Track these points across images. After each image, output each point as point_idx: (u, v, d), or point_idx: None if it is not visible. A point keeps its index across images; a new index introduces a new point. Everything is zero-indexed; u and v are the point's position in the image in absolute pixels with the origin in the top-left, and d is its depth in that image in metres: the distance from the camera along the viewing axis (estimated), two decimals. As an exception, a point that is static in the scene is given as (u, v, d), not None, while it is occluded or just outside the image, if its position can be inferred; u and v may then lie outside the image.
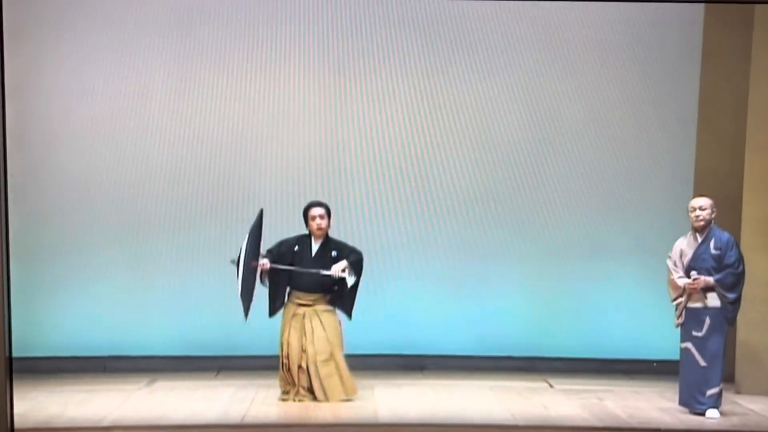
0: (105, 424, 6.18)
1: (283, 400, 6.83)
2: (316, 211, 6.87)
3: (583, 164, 7.77)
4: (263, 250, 6.80)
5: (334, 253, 6.89)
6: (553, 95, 7.62)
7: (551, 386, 7.55)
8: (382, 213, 7.75)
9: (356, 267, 6.86)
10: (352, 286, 6.82)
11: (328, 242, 6.91)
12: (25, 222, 7.24)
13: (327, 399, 6.76)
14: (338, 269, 6.78)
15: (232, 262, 6.63)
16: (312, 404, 6.73)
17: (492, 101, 7.62)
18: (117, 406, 6.69)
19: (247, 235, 6.65)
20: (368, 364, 7.55)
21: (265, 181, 7.61)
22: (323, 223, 6.86)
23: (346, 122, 7.60)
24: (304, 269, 6.77)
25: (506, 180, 7.80)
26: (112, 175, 7.46)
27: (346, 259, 6.85)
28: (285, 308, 6.91)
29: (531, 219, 7.89)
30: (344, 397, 6.82)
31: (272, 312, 6.87)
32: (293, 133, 7.60)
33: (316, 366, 6.77)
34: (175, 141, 7.53)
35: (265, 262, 6.73)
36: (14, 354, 6.29)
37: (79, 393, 7.07)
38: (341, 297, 6.89)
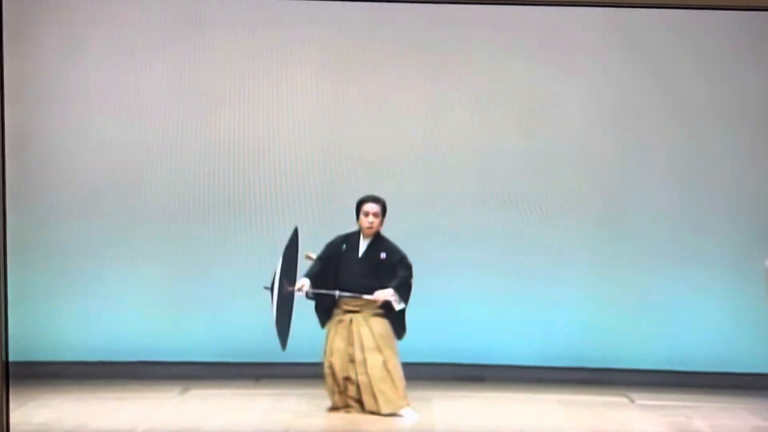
0: None
1: (332, 411, 6.83)
2: (370, 207, 6.87)
3: (672, 166, 7.78)
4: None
5: (382, 255, 6.90)
6: (637, 94, 7.65)
7: (632, 401, 7.49)
8: (434, 207, 7.70)
9: (403, 291, 6.85)
10: (400, 310, 6.83)
11: (377, 241, 6.91)
12: (42, 221, 7.38)
13: (378, 410, 6.75)
14: (382, 296, 6.78)
15: (266, 288, 6.66)
16: (362, 416, 6.68)
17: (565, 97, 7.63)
18: (147, 415, 6.69)
19: (281, 257, 6.69)
20: (422, 373, 7.43)
21: (289, 180, 7.61)
22: (375, 222, 6.86)
23: (348, 121, 7.57)
24: (346, 293, 6.78)
25: (583, 176, 7.77)
26: (142, 169, 7.57)
27: (396, 271, 6.84)
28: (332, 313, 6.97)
29: (609, 220, 7.83)
30: (396, 410, 6.80)
31: (323, 323, 6.94)
32: (301, 127, 7.62)
33: (367, 377, 6.78)
34: (177, 140, 7.56)
35: (303, 284, 6.77)
36: (32, 358, 6.85)
37: (107, 401, 7.07)
38: (389, 315, 6.93)
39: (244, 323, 7.80)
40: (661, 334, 7.78)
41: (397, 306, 6.79)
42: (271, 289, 6.68)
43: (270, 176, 7.56)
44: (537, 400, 7.37)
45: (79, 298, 7.58)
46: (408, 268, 6.89)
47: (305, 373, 7.44)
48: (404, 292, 6.83)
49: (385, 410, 6.75)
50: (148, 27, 7.35)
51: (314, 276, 6.88)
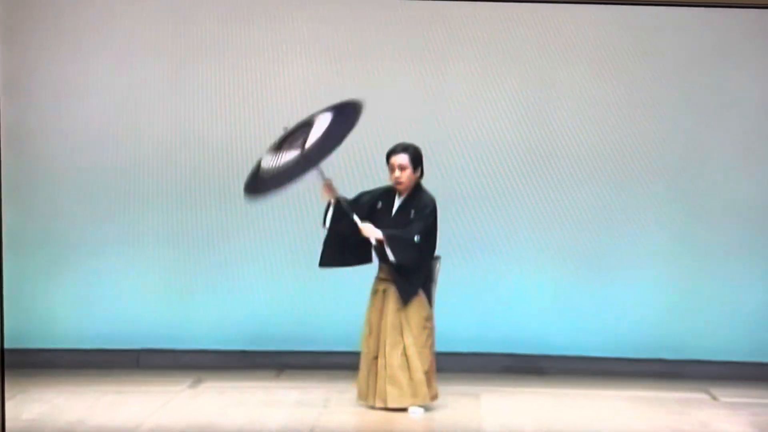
0: None
1: (362, 404, 6.57)
2: (396, 159, 6.44)
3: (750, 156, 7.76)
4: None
5: (412, 213, 6.47)
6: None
7: (714, 398, 7.22)
8: (491, 187, 7.70)
9: (395, 244, 6.35)
10: (399, 266, 6.37)
11: (413, 198, 6.48)
12: (39, 203, 7.69)
13: (384, 404, 6.40)
14: (366, 230, 6.32)
15: (284, 128, 6.38)
16: (396, 414, 6.41)
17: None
18: (154, 411, 6.53)
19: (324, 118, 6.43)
20: (470, 364, 7.48)
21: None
22: (403, 176, 6.42)
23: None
24: (366, 224, 6.34)
25: (661, 167, 7.75)
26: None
27: (411, 223, 6.42)
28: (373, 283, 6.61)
29: (689, 201, 7.80)
30: (407, 404, 6.41)
31: (321, 261, 6.51)
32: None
33: (384, 359, 6.41)
34: (178, 137, 7.78)
35: (330, 185, 6.38)
36: (22, 345, 7.01)
37: (106, 394, 6.95)
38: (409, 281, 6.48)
39: (264, 306, 7.81)
40: (747, 322, 7.69)
41: (390, 256, 6.33)
42: (288, 136, 6.41)
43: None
44: (604, 396, 7.26)
45: (76, 280, 7.80)
46: (421, 225, 6.40)
47: (333, 363, 7.38)
48: (396, 246, 6.33)
49: (391, 403, 6.42)
50: (142, 21, 7.66)
51: (341, 215, 6.43)
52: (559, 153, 7.68)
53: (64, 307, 7.73)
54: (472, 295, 7.50)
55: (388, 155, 6.49)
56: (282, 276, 7.52)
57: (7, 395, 6.05)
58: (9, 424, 6.04)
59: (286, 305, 7.55)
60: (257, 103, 7.71)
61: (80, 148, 7.69)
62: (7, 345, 6.34)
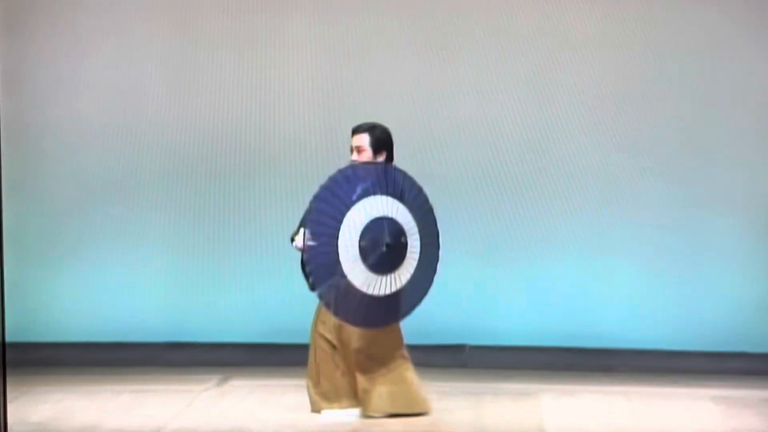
0: None
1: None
2: (355, 140, 6.02)
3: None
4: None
5: None
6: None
7: None
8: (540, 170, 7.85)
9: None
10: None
11: None
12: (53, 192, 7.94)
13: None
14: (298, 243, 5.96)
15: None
16: (441, 418, 6.18)
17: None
18: (178, 412, 6.41)
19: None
20: (530, 361, 7.53)
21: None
22: (359, 159, 6.00)
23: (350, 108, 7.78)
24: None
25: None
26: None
27: None
28: None
29: None
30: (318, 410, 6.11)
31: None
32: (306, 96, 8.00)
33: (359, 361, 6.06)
34: (175, 134, 7.94)
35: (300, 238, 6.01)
36: (29, 339, 7.33)
37: (123, 394, 6.91)
38: None
39: (299, 296, 7.33)
40: None
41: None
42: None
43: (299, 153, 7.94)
44: (683, 395, 7.13)
45: (87, 268, 7.93)
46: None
47: None
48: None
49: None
50: (142, 16, 7.87)
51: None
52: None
53: (76, 299, 7.82)
54: (531, 286, 7.57)
55: (351, 134, 6.11)
56: None
57: (9, 395, 5.61)
58: (14, 429, 5.75)
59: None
60: (259, 96, 7.81)
61: (81, 143, 7.85)
62: (10, 338, 6.24)
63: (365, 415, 6.08)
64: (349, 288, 5.75)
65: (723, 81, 7.80)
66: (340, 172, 5.85)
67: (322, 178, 7.08)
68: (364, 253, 5.76)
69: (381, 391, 6.06)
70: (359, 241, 5.75)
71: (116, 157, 7.99)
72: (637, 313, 7.82)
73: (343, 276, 5.74)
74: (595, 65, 7.83)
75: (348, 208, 5.77)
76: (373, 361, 6.03)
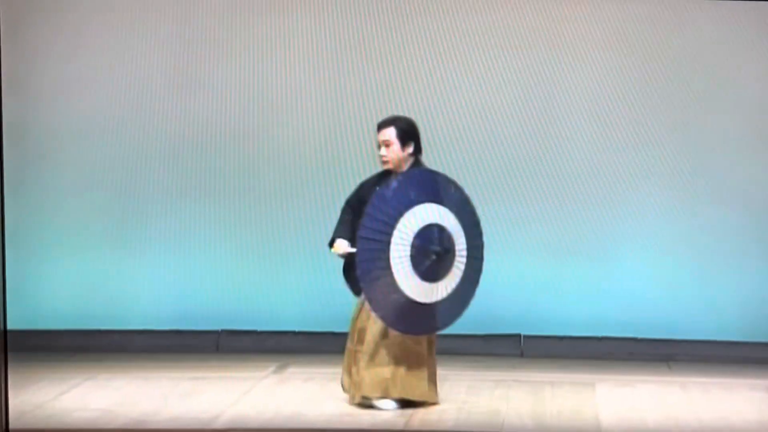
0: (218, 425, 5.91)
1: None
2: (381, 134, 6.06)
3: None
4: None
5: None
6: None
7: None
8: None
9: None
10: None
11: None
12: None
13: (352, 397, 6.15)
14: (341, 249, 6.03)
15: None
16: (506, 406, 6.25)
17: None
18: (235, 400, 6.43)
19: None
20: (587, 350, 7.48)
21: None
22: (388, 153, 6.02)
23: (350, 113, 7.90)
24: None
25: None
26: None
27: None
28: None
29: None
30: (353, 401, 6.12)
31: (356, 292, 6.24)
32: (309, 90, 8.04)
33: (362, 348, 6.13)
34: (175, 134, 7.99)
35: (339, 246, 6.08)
36: (86, 326, 7.55)
37: (182, 381, 6.94)
38: None
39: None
40: None
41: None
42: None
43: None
44: (741, 385, 7.10)
45: (140, 254, 7.97)
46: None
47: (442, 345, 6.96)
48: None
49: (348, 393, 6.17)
50: (143, 15, 7.90)
51: (347, 229, 6.13)
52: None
53: (126, 288, 7.85)
54: (587, 276, 7.54)
55: (377, 132, 6.13)
56: None
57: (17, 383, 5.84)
58: (76, 414, 5.95)
59: None
60: (260, 95, 7.86)
61: (80, 143, 7.89)
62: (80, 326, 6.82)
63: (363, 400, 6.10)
64: (397, 293, 5.81)
65: (724, 81, 7.77)
66: (395, 178, 5.93)
67: (324, 174, 7.75)
68: (414, 259, 5.81)
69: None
70: (410, 247, 5.81)
71: (116, 157, 7.97)
72: (694, 304, 7.76)
73: (393, 281, 5.79)
74: (596, 66, 7.77)
75: (401, 214, 5.81)
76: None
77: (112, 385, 6.67)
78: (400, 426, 5.87)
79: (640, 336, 7.76)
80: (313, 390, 6.66)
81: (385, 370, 6.05)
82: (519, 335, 7.76)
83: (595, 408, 6.33)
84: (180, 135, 7.92)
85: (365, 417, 6.00)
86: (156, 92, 7.90)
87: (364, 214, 5.80)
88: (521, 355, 7.73)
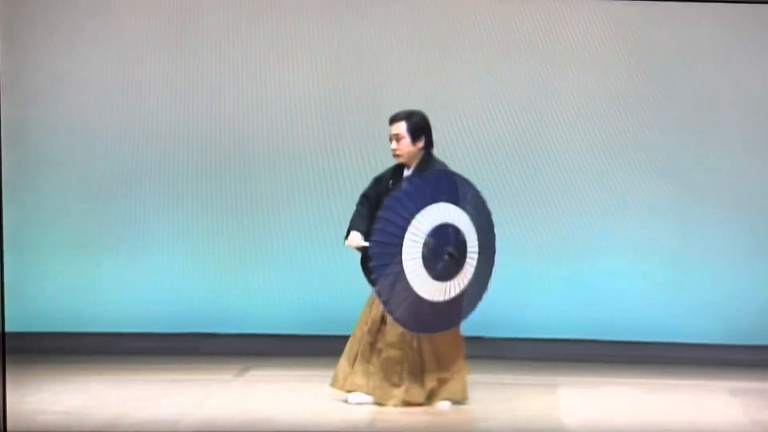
0: (181, 428, 5.87)
1: (338, 386, 6.33)
2: (393, 128, 6.20)
3: None
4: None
5: None
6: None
7: None
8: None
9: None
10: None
11: (422, 169, 6.21)
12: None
13: (380, 400, 6.17)
14: (354, 242, 6.20)
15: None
16: (470, 407, 6.27)
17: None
18: (198, 402, 6.42)
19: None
20: (552, 352, 7.49)
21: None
22: (400, 147, 6.16)
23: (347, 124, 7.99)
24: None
25: None
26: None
27: None
28: None
29: None
30: (383, 401, 6.18)
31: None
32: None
33: (389, 352, 6.17)
34: (174, 132, 8.04)
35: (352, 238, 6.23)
36: (59, 329, 7.49)
37: (146, 384, 6.94)
38: None
39: (321, 286, 7.84)
40: None
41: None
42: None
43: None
44: (705, 387, 7.16)
45: (100, 258, 7.95)
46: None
47: None
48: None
49: (384, 400, 6.19)
50: (142, 15, 7.96)
51: (363, 222, 6.27)
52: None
53: (102, 291, 7.85)
54: (549, 277, 7.56)
55: (389, 123, 6.26)
56: (340, 252, 7.26)
57: (15, 385, 5.89)
58: (37, 418, 5.90)
59: (346, 284, 7.28)
60: (260, 97, 7.89)
61: (80, 143, 7.92)
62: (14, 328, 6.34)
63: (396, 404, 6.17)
64: (408, 289, 5.89)
65: (722, 82, 7.81)
66: (409, 179, 6.05)
67: (324, 176, 7.81)
68: (427, 259, 5.91)
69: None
70: (423, 247, 5.90)
71: (116, 157, 8.00)
72: (658, 306, 7.76)
73: (405, 281, 5.88)
74: (595, 66, 7.84)
75: (413, 215, 5.90)
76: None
77: (82, 387, 6.67)
78: (363, 427, 5.91)
79: (604, 338, 7.75)
80: (277, 393, 6.68)
81: (431, 377, 6.19)
82: (482, 337, 7.67)
83: (559, 410, 6.37)
84: (178, 137, 7.93)
85: (334, 418, 6.05)
86: (153, 95, 7.93)
87: (377, 218, 5.92)
88: (485, 356, 7.61)
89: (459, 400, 6.26)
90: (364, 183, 6.51)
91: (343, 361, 6.30)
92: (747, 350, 7.69)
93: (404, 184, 5.96)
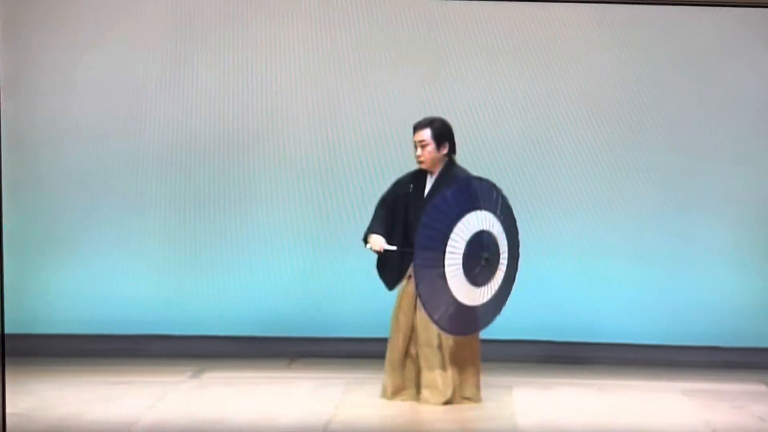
0: (137, 429, 5.95)
1: (386, 398, 6.49)
2: (417, 136, 6.39)
3: None
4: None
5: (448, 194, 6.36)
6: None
7: None
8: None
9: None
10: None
11: (445, 177, 6.37)
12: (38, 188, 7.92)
13: (427, 400, 6.40)
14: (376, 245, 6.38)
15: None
16: (424, 407, 6.38)
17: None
18: (152, 404, 6.47)
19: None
20: (504, 353, 7.43)
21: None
22: (424, 153, 6.35)
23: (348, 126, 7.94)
24: (391, 247, 6.35)
25: None
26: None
27: None
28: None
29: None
30: (435, 402, 6.39)
31: (390, 284, 6.52)
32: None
33: (426, 354, 6.39)
34: (173, 132, 8.01)
35: (375, 243, 6.39)
36: (11, 331, 6.94)
37: (101, 385, 6.92)
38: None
39: (274, 288, 7.85)
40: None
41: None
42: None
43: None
44: (656, 388, 7.18)
45: (66, 259, 7.91)
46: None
47: (355, 350, 7.39)
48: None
49: (429, 400, 6.39)
50: (143, 18, 7.91)
51: (382, 225, 6.48)
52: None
53: (57, 291, 7.82)
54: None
55: (413, 133, 6.43)
56: (295, 257, 7.54)
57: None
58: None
59: (300, 288, 7.57)
60: (258, 100, 7.90)
61: (80, 143, 7.88)
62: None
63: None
64: (447, 293, 6.08)
65: (720, 83, 7.82)
66: (448, 187, 6.20)
67: (318, 178, 7.78)
68: (466, 265, 6.09)
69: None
70: (462, 256, 6.08)
71: (116, 157, 7.95)
72: (618, 305, 7.81)
73: (446, 287, 6.07)
74: (594, 67, 7.83)
75: (455, 222, 6.08)
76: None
77: (32, 389, 6.65)
78: (319, 428, 5.96)
79: (557, 339, 7.76)
80: (231, 395, 6.70)
81: (457, 377, 6.44)
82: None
83: (513, 411, 6.41)
84: (177, 139, 7.91)
85: (284, 419, 6.12)
86: (152, 97, 7.92)
87: (421, 225, 6.08)
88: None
89: (476, 400, 6.48)
90: (333, 187, 6.68)
91: (387, 372, 6.51)
92: (700, 351, 7.71)
93: (446, 193, 6.13)
